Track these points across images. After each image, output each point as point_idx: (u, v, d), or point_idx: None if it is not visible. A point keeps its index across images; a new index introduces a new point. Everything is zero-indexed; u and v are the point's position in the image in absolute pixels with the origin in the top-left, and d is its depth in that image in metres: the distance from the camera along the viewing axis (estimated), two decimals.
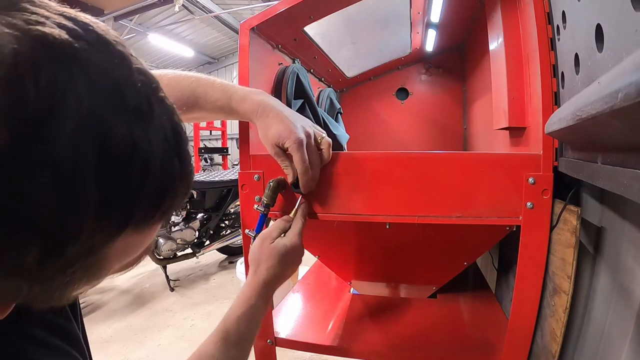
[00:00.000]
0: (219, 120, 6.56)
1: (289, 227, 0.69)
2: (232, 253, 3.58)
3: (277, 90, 1.04)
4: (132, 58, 0.25)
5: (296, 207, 0.73)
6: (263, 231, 0.69)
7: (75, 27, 0.22)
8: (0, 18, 0.20)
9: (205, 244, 3.15)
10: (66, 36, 0.21)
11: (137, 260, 0.33)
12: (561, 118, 0.49)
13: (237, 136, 0.84)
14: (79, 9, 0.24)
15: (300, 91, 1.10)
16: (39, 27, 0.20)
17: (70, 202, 0.21)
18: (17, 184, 0.19)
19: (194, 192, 2.94)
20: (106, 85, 0.22)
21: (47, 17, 0.21)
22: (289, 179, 0.70)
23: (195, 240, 3.03)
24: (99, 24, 0.24)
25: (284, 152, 0.66)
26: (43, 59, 0.20)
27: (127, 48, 0.25)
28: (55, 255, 0.23)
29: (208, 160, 7.52)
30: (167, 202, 0.27)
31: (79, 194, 0.21)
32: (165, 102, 0.26)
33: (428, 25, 1.42)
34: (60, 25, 0.21)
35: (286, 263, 0.65)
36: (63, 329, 0.40)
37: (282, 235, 0.67)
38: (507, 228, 0.75)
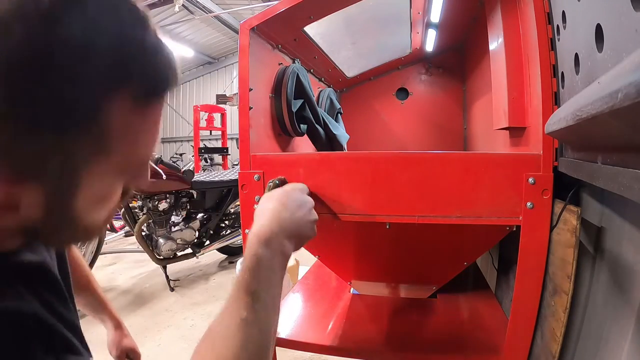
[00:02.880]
0: (219, 120, 6.58)
1: None
2: (232, 253, 3.57)
3: (277, 90, 1.04)
4: None
5: None
6: None
7: None
8: None
9: (205, 244, 3.14)
10: None
11: (143, 175, 0.40)
12: (561, 118, 0.49)
13: (237, 136, 0.84)
14: None
15: (300, 91, 1.10)
16: None
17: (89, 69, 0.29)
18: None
19: (194, 192, 2.94)
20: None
21: None
22: None
23: (195, 240, 3.02)
24: None
25: None
26: None
27: None
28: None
29: (208, 160, 7.49)
30: (164, 82, 0.35)
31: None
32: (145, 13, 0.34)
33: (428, 25, 1.42)
34: None
35: (288, 201, 0.60)
36: (61, 314, 0.40)
37: None
38: (507, 228, 0.75)
